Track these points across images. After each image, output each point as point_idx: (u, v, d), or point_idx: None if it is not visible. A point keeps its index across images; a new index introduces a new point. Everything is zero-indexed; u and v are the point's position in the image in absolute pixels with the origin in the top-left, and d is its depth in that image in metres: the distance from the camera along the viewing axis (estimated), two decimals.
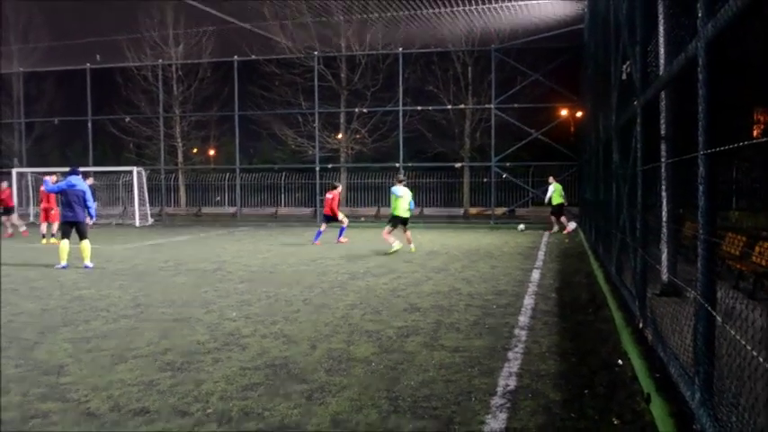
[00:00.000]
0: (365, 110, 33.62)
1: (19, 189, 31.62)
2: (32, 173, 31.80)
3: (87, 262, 14.37)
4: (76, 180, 14.41)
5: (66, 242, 14.45)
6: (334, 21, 29.82)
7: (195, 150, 45.62)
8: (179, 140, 38.60)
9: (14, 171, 31.74)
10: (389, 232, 16.95)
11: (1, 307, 9.59)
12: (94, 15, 27.95)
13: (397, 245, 16.71)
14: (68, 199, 14.23)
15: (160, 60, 34.85)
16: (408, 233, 17.46)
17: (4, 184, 23.51)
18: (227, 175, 37.55)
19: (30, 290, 11.34)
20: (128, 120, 36.44)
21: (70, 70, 35.60)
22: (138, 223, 30.17)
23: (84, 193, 14.32)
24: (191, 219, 34.95)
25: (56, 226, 19.85)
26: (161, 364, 6.47)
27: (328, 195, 19.85)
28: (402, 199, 16.94)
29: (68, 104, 37.90)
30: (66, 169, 15.20)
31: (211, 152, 49.89)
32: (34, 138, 39.04)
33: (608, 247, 11.85)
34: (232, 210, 35.31)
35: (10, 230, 23.30)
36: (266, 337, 7.62)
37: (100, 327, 8.26)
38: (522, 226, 25.94)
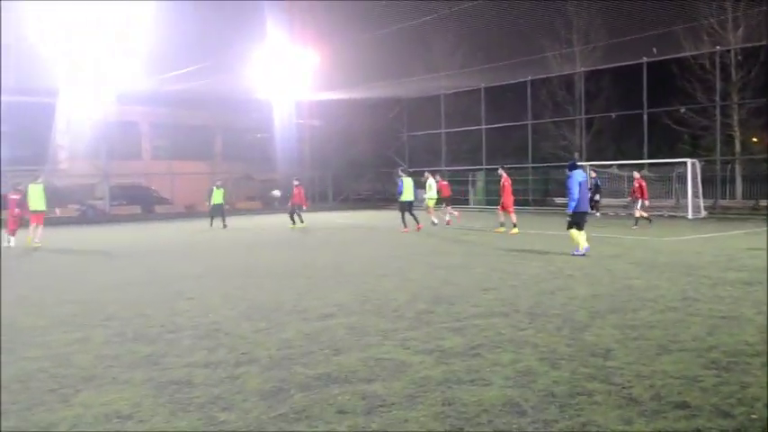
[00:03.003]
0: None
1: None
2: (590, 166, 33.64)
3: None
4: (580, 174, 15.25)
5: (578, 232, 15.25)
6: None
7: (755, 139, 42.67)
8: (736, 129, 36.57)
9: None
10: None
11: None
12: (651, 9, 28.24)
13: None
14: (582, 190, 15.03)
15: (717, 47, 33.47)
16: None
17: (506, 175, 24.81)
18: None
19: (583, 275, 12.15)
20: (683, 110, 35.91)
21: (626, 66, 36.60)
22: (690, 215, 29.63)
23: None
24: (747, 212, 32.89)
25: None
26: (705, 361, 6.37)
27: None
28: None
29: (624, 99, 39.08)
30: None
31: None
32: (593, 133, 41.29)
33: None
34: None
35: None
36: None
37: (647, 317, 8.46)
38: None
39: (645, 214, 24.21)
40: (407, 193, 24.08)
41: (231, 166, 45.79)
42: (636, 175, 25.36)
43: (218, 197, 28.34)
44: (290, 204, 27.54)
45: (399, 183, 24.35)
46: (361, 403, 5.36)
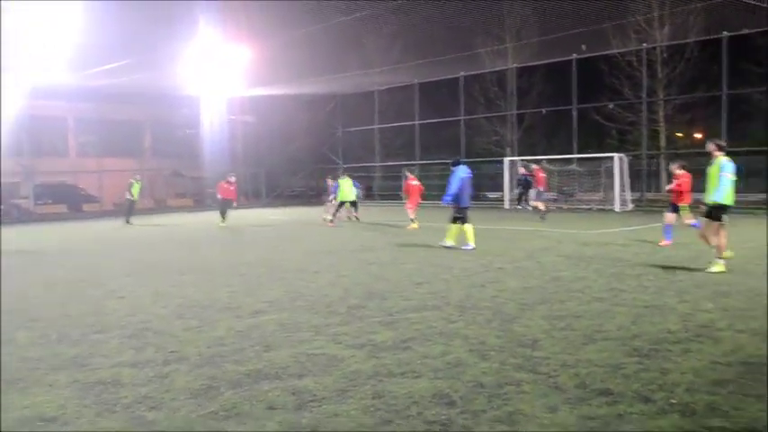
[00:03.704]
0: None
1: (510, 175, 34.57)
2: (521, 160, 34.24)
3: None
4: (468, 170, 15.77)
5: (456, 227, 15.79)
6: None
7: (680, 134, 44.02)
8: (662, 124, 37.67)
9: (506, 159, 34.67)
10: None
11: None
12: (580, 7, 28.82)
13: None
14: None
15: (644, 44, 34.40)
16: None
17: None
18: None
19: (514, 269, 12.35)
20: (611, 106, 36.82)
21: (557, 62, 37.34)
22: (618, 208, 30.44)
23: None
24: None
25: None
26: (629, 349, 6.56)
27: None
28: None
29: (555, 95, 39.89)
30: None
31: (698, 135, 47.55)
32: (524, 128, 41.99)
33: None
34: None
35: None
36: (743, 332, 7.16)
37: (574, 307, 8.66)
38: None
39: (540, 205, 24.80)
40: (346, 194, 25.21)
41: (160, 163, 44.98)
42: (534, 166, 25.89)
43: (135, 191, 28.69)
44: (221, 200, 27.05)
45: (335, 184, 24.77)
46: (292, 399, 5.34)
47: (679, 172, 15.89)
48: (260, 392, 5.52)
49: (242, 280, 11.86)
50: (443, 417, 4.87)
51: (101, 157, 42.16)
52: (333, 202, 26.47)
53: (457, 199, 15.57)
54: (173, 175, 46.61)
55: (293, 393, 5.46)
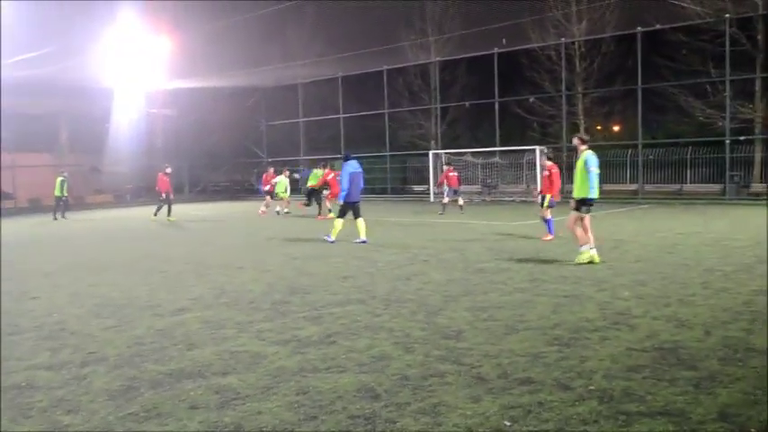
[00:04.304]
0: None
1: (435, 168, 34.80)
2: (445, 153, 34.57)
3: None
4: (358, 164, 15.83)
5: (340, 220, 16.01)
6: None
7: (599, 127, 45.22)
8: (581, 117, 38.61)
9: (431, 152, 34.91)
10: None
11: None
12: (501, 1, 29.29)
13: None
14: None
15: (563, 39, 35.15)
16: None
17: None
18: (630, 151, 36.57)
19: (438, 261, 12.47)
20: (531, 100, 37.51)
21: (479, 56, 37.82)
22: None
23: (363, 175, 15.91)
24: None
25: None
26: (549, 338, 6.70)
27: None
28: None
29: (478, 88, 40.37)
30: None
31: (616, 128, 48.89)
32: (448, 121, 42.39)
33: None
34: (634, 187, 34.37)
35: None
36: (657, 319, 7.41)
37: (497, 298, 8.79)
38: None
39: (446, 200, 25.32)
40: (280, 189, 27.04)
41: (78, 158, 43.58)
42: (445, 167, 26.35)
43: (58, 189, 28.34)
44: (163, 195, 25.87)
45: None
46: (215, 397, 5.26)
47: (548, 163, 16.09)
48: (182, 392, 5.42)
49: (163, 277, 11.62)
50: (368, 411, 4.87)
51: (14, 153, 40.49)
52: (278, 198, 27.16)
53: (349, 193, 15.57)
54: (91, 171, 45.19)
55: (216, 392, 5.38)
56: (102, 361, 6.39)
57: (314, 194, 25.41)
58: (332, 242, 15.77)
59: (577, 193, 11.79)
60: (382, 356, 6.21)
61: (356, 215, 15.79)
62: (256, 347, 6.68)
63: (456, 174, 25.56)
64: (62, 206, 28.61)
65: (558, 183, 16.08)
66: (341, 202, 15.89)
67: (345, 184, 15.43)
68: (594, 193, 11.69)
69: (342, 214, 15.92)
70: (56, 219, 28.11)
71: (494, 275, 10.66)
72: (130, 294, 9.94)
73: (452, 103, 41.31)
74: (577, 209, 11.78)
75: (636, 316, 7.57)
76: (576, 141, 12.16)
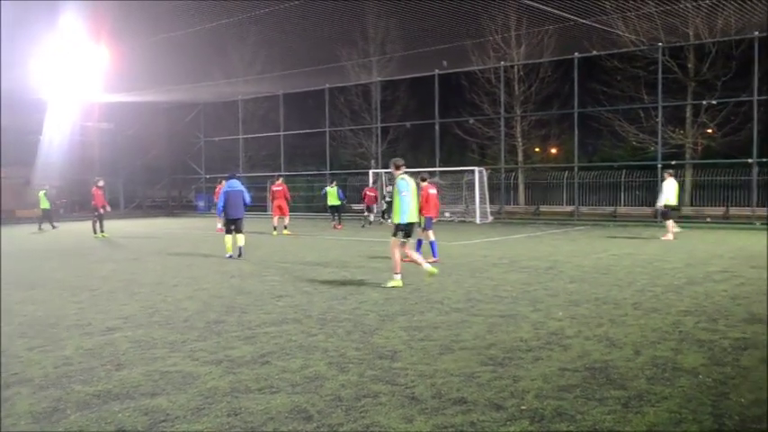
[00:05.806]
0: (714, 101, 31.20)
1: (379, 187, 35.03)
2: (386, 172, 34.70)
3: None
4: (236, 183, 17.12)
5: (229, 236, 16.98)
6: (682, 7, 28.06)
7: (537, 149, 46.10)
8: (519, 140, 39.30)
9: (371, 171, 35.06)
10: None
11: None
12: (442, 24, 29.57)
13: None
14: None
15: (502, 63, 35.78)
16: None
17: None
18: (566, 173, 37.35)
19: (375, 280, 12.45)
20: (471, 121, 38.01)
21: (420, 77, 38.19)
22: (478, 221, 31.39)
23: (242, 193, 16.98)
24: (529, 216, 35.44)
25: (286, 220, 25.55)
26: (484, 358, 6.74)
27: None
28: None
29: (419, 109, 40.75)
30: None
31: (553, 150, 49.93)
32: (389, 141, 42.62)
33: None
34: (570, 208, 35.08)
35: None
36: (589, 339, 7.53)
37: (433, 318, 8.82)
38: None
39: (371, 217, 28.86)
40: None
41: (10, 171, 42.27)
42: (367, 187, 29.37)
43: (43, 201, 29.66)
44: (98, 210, 25.12)
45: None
46: (143, 419, 5.13)
47: (423, 184, 15.58)
48: (109, 413, 5.26)
49: (92, 295, 11.31)
50: None
51: None
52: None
53: (226, 211, 16.94)
54: (23, 185, 43.85)
55: (145, 413, 5.25)
56: (27, 382, 6.17)
57: None
58: (228, 257, 16.75)
59: (393, 218, 11.91)
60: (316, 377, 6.16)
61: (237, 230, 16.92)
62: (188, 367, 6.54)
63: (374, 193, 28.18)
64: (49, 216, 29.98)
65: (434, 203, 15.72)
66: (218, 215, 17.96)
67: (221, 202, 16.99)
68: (405, 218, 11.70)
69: (227, 230, 17.14)
70: (40, 229, 29.52)
71: (431, 295, 10.69)
72: (59, 313, 9.65)
73: (393, 123, 41.59)
74: (394, 234, 11.87)
75: (569, 336, 7.68)
76: (392, 168, 12.17)
